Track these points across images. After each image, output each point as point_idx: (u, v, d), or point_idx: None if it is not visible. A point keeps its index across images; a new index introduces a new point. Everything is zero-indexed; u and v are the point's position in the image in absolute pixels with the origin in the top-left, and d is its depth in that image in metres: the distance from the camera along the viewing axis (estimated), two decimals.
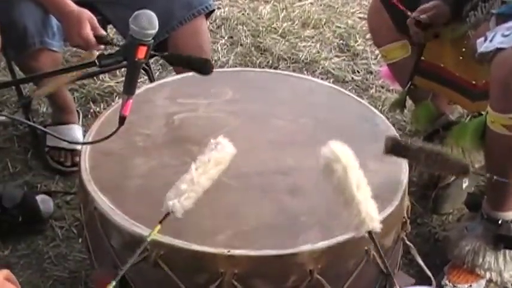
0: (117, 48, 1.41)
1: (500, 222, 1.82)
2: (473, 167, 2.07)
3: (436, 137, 2.19)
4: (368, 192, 1.23)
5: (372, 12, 2.24)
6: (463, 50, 1.99)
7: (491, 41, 1.66)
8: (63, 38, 2.03)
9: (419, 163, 1.51)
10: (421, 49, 2.07)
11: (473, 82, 2.01)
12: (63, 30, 1.90)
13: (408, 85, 2.12)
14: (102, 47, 1.78)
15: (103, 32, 1.75)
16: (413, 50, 2.09)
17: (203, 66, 1.63)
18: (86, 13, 1.76)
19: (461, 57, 2.02)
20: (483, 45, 1.68)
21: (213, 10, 2.17)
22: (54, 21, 1.98)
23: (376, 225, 1.23)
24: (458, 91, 2.07)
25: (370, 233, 1.24)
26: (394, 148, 1.48)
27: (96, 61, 1.33)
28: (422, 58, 2.08)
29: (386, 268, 1.37)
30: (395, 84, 2.40)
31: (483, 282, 1.85)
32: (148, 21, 1.29)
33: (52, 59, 2.03)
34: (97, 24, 1.75)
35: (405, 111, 2.31)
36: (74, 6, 1.78)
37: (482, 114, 1.99)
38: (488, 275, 1.84)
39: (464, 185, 2.09)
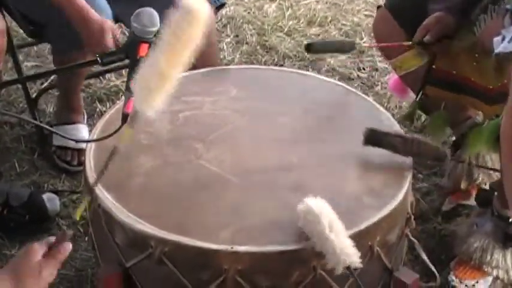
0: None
1: (510, 220, 1.81)
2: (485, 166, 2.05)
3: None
4: (343, 231, 1.25)
5: (378, 23, 2.13)
6: (476, 55, 1.95)
7: (509, 41, 1.61)
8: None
9: (397, 150, 1.52)
10: (432, 58, 1.99)
11: (490, 86, 1.96)
12: (83, 36, 1.84)
13: (419, 95, 2.04)
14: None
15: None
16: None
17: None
18: (109, 23, 1.75)
19: (475, 63, 1.97)
20: (501, 45, 1.63)
21: (224, 4, 2.15)
22: None
23: (355, 259, 1.24)
24: (474, 96, 1.99)
25: (348, 268, 1.25)
26: (371, 138, 1.49)
27: (98, 59, 1.34)
28: (433, 67, 2.03)
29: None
30: (405, 97, 2.34)
31: (490, 279, 1.84)
32: (149, 19, 1.29)
33: None
34: (117, 37, 1.74)
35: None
36: (97, 15, 1.77)
37: (498, 117, 1.94)
38: (495, 272, 1.83)
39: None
